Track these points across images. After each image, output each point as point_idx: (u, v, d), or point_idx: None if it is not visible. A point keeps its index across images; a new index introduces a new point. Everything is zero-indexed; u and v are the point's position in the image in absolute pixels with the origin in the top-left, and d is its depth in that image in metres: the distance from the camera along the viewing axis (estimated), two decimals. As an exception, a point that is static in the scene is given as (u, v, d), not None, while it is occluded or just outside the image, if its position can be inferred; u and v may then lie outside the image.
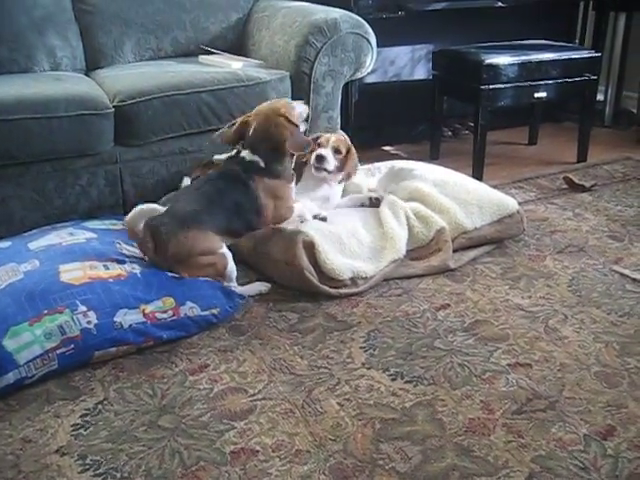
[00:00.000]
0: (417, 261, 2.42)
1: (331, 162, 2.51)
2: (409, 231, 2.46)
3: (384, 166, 2.93)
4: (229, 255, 2.18)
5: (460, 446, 1.59)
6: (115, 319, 1.92)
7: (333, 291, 2.23)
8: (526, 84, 3.34)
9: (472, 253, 2.50)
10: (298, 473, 1.52)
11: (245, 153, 2.27)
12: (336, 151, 2.54)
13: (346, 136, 2.70)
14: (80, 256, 2.09)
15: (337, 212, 2.58)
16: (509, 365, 1.88)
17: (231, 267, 2.19)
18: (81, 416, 1.72)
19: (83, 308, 1.90)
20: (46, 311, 1.87)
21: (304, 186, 2.54)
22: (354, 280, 2.27)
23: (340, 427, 1.66)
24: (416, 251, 2.45)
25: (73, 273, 2.00)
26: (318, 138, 2.58)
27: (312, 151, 2.47)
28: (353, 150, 2.62)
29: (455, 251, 2.47)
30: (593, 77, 3.49)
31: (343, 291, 2.24)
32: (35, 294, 1.91)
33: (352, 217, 2.53)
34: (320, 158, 2.50)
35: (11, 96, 2.43)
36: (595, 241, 2.64)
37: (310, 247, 2.26)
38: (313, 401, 1.75)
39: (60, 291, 1.93)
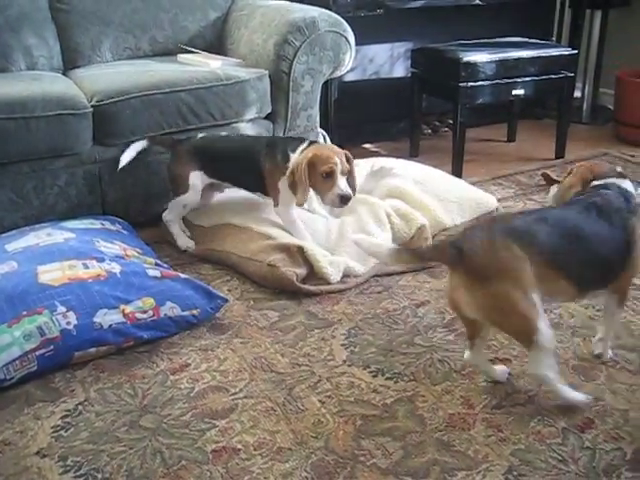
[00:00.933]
0: None
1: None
2: (391, 229, 2.47)
3: (364, 164, 2.94)
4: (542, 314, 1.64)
5: (440, 441, 1.61)
6: (95, 319, 1.91)
7: (313, 288, 2.24)
8: (504, 81, 3.36)
9: (451, 250, 2.51)
10: (280, 470, 1.53)
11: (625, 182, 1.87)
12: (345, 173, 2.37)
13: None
14: (58, 256, 2.08)
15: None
16: (489, 360, 1.90)
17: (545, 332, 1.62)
18: (61, 417, 1.71)
19: (62, 309, 1.89)
20: (25, 312, 1.86)
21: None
22: (342, 279, 2.29)
23: (321, 424, 1.67)
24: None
25: (52, 274, 1.99)
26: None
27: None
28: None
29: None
30: (570, 74, 3.52)
31: (324, 287, 2.25)
32: (14, 296, 1.90)
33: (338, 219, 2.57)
34: (345, 199, 2.32)
35: (-13, 96, 2.41)
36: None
37: (300, 251, 2.28)
38: (294, 399, 1.76)
39: (39, 292, 1.92)
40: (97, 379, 1.86)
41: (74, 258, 2.08)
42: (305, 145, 2.39)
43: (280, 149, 2.42)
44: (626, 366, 1.87)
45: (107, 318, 1.93)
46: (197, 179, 2.52)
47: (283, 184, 2.39)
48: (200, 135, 2.59)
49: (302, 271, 2.26)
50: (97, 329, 1.91)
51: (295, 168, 2.32)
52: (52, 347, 1.85)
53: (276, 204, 2.46)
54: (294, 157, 2.36)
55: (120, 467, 1.55)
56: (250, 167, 2.45)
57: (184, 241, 2.55)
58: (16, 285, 1.94)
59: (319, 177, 2.30)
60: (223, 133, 2.69)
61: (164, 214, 2.58)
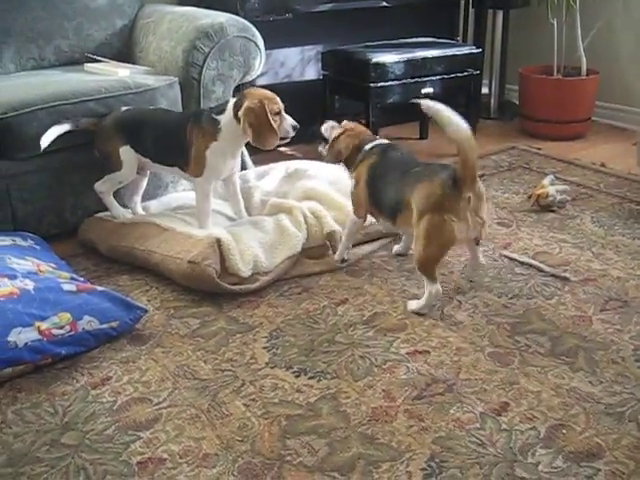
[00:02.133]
0: (314, 260, 2.46)
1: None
2: (307, 230, 2.50)
3: (279, 167, 2.97)
4: None
5: (364, 435, 1.64)
6: (9, 339, 1.85)
7: (234, 287, 2.24)
8: (413, 81, 3.46)
9: (369, 247, 2.56)
10: (207, 477, 1.53)
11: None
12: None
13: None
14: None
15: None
16: (408, 353, 1.95)
17: None
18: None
19: (-27, 330, 1.83)
20: None
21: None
22: (254, 276, 2.30)
23: (247, 427, 1.67)
24: (314, 250, 2.49)
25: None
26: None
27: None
28: None
29: (352, 246, 2.52)
30: (476, 72, 3.65)
31: (243, 286, 2.26)
32: None
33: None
34: (295, 127, 2.57)
35: None
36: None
37: (217, 244, 2.28)
38: (219, 404, 1.76)
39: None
40: (14, 399, 1.81)
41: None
42: (234, 100, 2.44)
43: (205, 115, 2.46)
44: (538, 349, 1.95)
45: (22, 336, 1.87)
46: (128, 154, 2.54)
47: (212, 152, 2.43)
48: (123, 108, 2.59)
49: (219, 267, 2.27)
50: (12, 348, 1.85)
51: (249, 113, 2.36)
52: (-37, 370, 1.79)
53: (199, 174, 2.46)
54: (224, 117, 2.42)
55: (40, 501, 1.52)
56: (175, 137, 2.47)
57: (119, 211, 2.57)
58: None
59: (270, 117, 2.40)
60: (150, 106, 2.69)
61: (97, 184, 2.58)
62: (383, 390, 1.80)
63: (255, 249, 2.33)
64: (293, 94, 3.83)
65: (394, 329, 2.07)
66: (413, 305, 2.17)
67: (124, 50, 3.20)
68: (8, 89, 2.67)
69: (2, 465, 1.59)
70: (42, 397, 1.81)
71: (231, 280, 2.25)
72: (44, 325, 1.92)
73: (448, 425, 1.67)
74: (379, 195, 2.26)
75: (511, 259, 2.50)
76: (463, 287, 2.31)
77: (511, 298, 2.23)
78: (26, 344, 1.88)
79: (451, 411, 1.71)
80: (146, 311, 2.11)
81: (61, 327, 1.94)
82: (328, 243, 2.50)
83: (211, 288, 2.23)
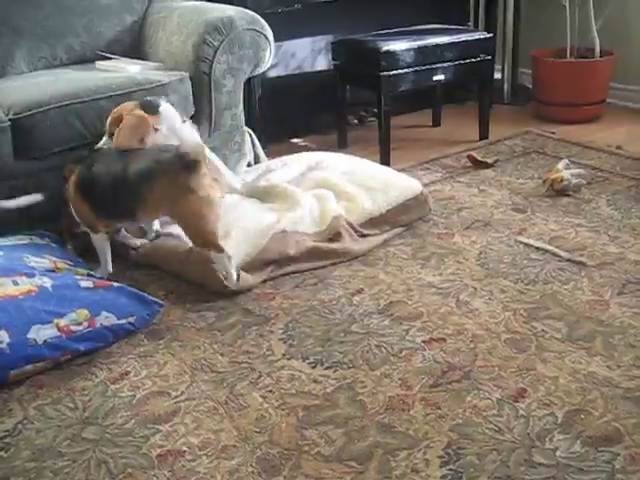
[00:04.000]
0: (319, 244, 2.44)
1: None
2: (310, 216, 2.52)
3: (294, 160, 2.97)
4: None
5: (381, 424, 1.65)
6: (29, 336, 1.88)
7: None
8: (424, 68, 3.43)
9: (383, 237, 2.56)
10: (226, 468, 1.54)
11: None
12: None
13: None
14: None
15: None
16: (424, 341, 1.95)
17: None
18: (0, 439, 1.68)
19: (-8, 328, 1.86)
20: (-46, 333, 1.82)
21: None
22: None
23: (264, 419, 1.69)
24: (315, 235, 2.48)
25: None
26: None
27: None
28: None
29: (366, 236, 2.53)
30: (487, 57, 3.61)
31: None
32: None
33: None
34: None
35: None
36: (500, 215, 2.75)
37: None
38: (236, 396, 1.77)
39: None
40: (36, 396, 1.83)
41: (3, 276, 2.04)
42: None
43: None
44: (554, 335, 1.95)
45: (41, 333, 1.90)
46: None
47: None
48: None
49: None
50: (32, 345, 1.88)
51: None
52: (-16, 369, 1.82)
53: None
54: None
55: (64, 483, 1.54)
56: None
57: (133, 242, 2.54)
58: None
59: None
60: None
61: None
62: (400, 379, 1.80)
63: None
64: (304, 85, 3.86)
65: (410, 317, 2.07)
66: (217, 265, 2.22)
67: (134, 46, 3.20)
68: (21, 89, 2.69)
69: (26, 460, 1.61)
70: (62, 393, 1.83)
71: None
72: (62, 322, 1.95)
73: (465, 412, 1.67)
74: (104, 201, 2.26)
75: (526, 245, 2.48)
76: (478, 273, 2.30)
77: (527, 284, 2.22)
78: (45, 341, 1.90)
79: (468, 398, 1.71)
80: (162, 305, 2.13)
81: (79, 323, 1.96)
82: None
83: (212, 285, 2.26)
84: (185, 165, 2.12)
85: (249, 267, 2.30)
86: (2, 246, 2.27)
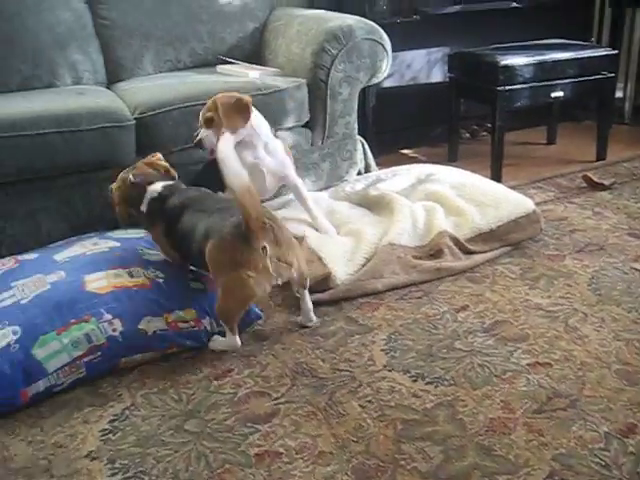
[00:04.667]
0: (420, 260, 2.42)
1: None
2: (414, 229, 2.50)
3: (404, 171, 2.97)
4: None
5: (481, 445, 1.61)
6: (140, 326, 1.97)
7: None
8: (543, 84, 3.34)
9: (490, 254, 2.51)
10: (321, 474, 1.55)
11: None
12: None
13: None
14: (104, 265, 2.14)
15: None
16: (529, 365, 1.89)
17: None
18: (109, 422, 1.76)
19: (108, 316, 1.95)
20: (73, 320, 1.92)
21: None
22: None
23: (362, 428, 1.68)
24: (416, 249, 2.46)
25: (98, 282, 2.05)
26: None
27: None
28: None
29: (473, 253, 2.49)
30: (610, 74, 3.49)
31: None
32: (62, 304, 1.96)
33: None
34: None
35: (35, 112, 2.49)
36: (615, 239, 2.64)
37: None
38: (335, 403, 1.78)
39: (86, 300, 1.98)
40: (143, 384, 1.91)
41: (119, 267, 2.14)
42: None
43: None
44: (670, 370, 1.85)
45: (151, 325, 1.98)
46: None
47: None
48: None
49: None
50: (142, 335, 1.96)
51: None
52: (99, 353, 1.91)
53: None
54: None
55: (166, 470, 1.59)
56: None
57: None
58: (64, 294, 2.00)
59: None
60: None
61: None
62: (502, 401, 1.76)
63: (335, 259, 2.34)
64: (418, 96, 3.84)
65: (515, 339, 2.02)
66: (214, 342, 2.04)
67: (254, 52, 3.29)
68: (146, 90, 2.82)
69: (131, 444, 1.68)
70: (168, 384, 1.90)
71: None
72: (171, 317, 2.03)
73: (569, 442, 1.61)
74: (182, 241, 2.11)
75: (643, 273, 2.37)
76: (589, 299, 2.22)
77: (641, 313, 2.12)
78: (155, 332, 1.98)
79: (573, 428, 1.65)
80: (260, 317, 2.17)
81: (186, 321, 2.03)
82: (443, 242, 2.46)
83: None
84: (246, 239, 1.86)
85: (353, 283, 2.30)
86: (119, 238, 2.38)
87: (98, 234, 2.46)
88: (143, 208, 2.18)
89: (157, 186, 2.19)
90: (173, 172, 2.29)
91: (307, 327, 2.12)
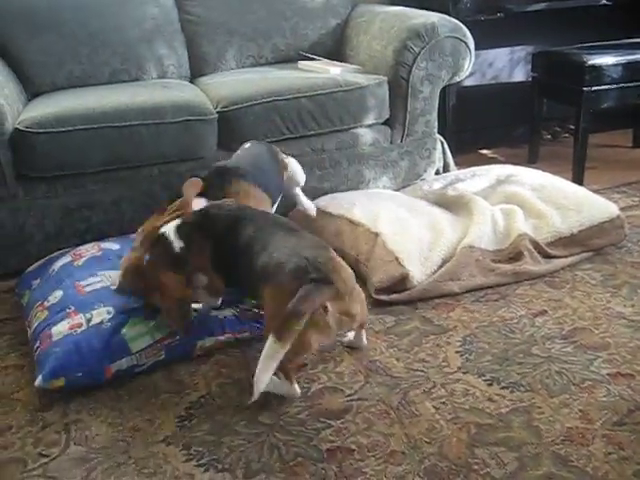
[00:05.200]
0: (499, 263, 2.38)
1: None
2: (493, 232, 2.46)
3: (483, 171, 2.92)
4: None
5: (557, 455, 1.57)
6: (213, 311, 2.04)
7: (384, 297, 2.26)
8: (631, 85, 3.23)
9: (571, 259, 2.44)
10: (393, 473, 1.55)
11: None
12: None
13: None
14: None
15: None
16: (610, 375, 1.84)
17: None
18: (185, 408, 1.81)
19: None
20: (161, 307, 2.00)
21: None
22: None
23: (435, 430, 1.67)
24: (495, 253, 2.42)
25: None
26: None
27: None
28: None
29: (553, 257, 2.43)
30: None
31: (393, 296, 2.27)
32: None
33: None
34: None
35: (123, 104, 2.57)
36: None
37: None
38: (409, 403, 1.77)
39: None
40: (218, 374, 1.94)
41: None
42: None
43: None
44: None
45: (224, 312, 2.05)
46: None
47: None
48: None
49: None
50: (215, 320, 2.03)
51: None
52: (177, 337, 1.98)
53: None
54: None
55: (239, 459, 1.62)
56: None
57: None
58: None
59: None
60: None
61: None
62: (580, 410, 1.71)
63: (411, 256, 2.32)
64: (499, 96, 3.77)
65: (595, 347, 1.96)
66: (270, 385, 1.73)
67: (335, 49, 3.30)
68: (229, 84, 2.87)
69: (206, 432, 1.72)
70: (243, 375, 1.92)
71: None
72: (242, 305, 2.10)
73: (652, 458, 1.55)
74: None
75: None
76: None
77: None
78: (226, 317, 2.05)
79: (657, 444, 1.59)
80: None
81: (255, 307, 2.09)
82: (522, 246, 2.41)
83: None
84: (312, 282, 1.70)
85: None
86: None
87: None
88: (176, 245, 1.94)
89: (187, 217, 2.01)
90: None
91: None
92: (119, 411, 1.82)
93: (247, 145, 2.45)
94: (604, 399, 1.75)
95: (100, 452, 1.67)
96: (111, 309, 2.01)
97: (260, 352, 1.65)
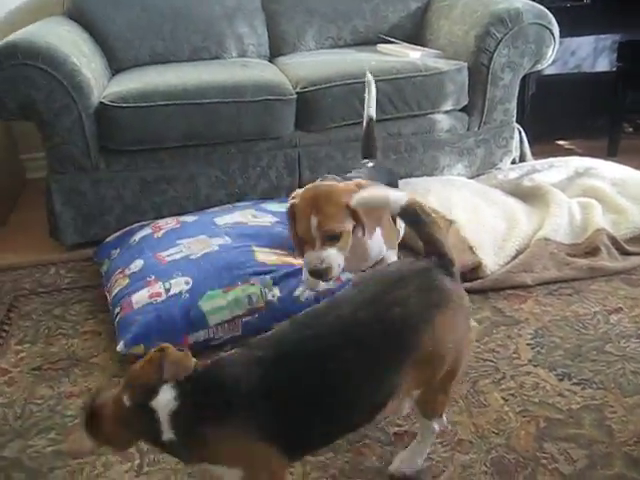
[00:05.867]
0: (574, 257, 2.34)
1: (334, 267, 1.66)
2: (570, 225, 2.42)
3: (562, 163, 2.86)
4: None
5: (629, 456, 1.55)
6: (295, 294, 2.05)
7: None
8: None
9: (650, 256, 2.38)
10: (460, 461, 1.55)
11: None
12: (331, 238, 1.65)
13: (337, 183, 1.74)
14: (269, 241, 2.24)
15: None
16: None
17: None
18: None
19: (270, 283, 2.05)
20: (240, 282, 2.04)
21: None
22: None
23: (503, 421, 1.67)
24: (571, 247, 2.37)
25: (267, 255, 2.16)
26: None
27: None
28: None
29: (631, 254, 2.37)
30: None
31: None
32: (233, 265, 2.08)
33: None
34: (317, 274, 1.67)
35: (204, 82, 2.61)
36: None
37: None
38: (477, 393, 1.77)
39: (256, 267, 2.09)
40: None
41: (280, 246, 2.21)
42: None
43: None
44: None
45: (304, 294, 2.06)
46: None
47: None
48: None
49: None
50: (295, 302, 2.03)
51: None
52: (256, 315, 2.01)
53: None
54: None
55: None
56: None
57: None
58: (235, 257, 2.12)
59: None
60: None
61: None
62: (655, 412, 1.68)
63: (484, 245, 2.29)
64: (581, 85, 3.67)
65: (671, 356, 1.92)
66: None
67: (415, 32, 3.26)
68: (308, 65, 2.88)
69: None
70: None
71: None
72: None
73: None
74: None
75: None
76: None
77: None
78: (306, 299, 2.05)
79: None
80: None
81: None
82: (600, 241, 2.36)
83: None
84: None
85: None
86: (276, 212, 2.45)
87: (253, 204, 2.56)
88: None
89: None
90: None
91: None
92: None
93: (370, 164, 2.11)
94: (680, 403, 1.71)
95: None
96: (189, 279, 2.04)
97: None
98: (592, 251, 2.35)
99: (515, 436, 1.62)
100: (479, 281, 2.22)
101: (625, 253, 2.37)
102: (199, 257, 2.13)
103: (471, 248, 2.26)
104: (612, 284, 2.26)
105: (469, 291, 2.18)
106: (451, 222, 2.38)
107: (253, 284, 2.03)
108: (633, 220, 2.45)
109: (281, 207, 2.50)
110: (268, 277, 2.05)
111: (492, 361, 1.89)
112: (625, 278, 2.29)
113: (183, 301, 1.99)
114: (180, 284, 2.03)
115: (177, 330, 1.94)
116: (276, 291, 2.04)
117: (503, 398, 1.74)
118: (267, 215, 2.43)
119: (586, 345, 1.94)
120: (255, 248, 2.17)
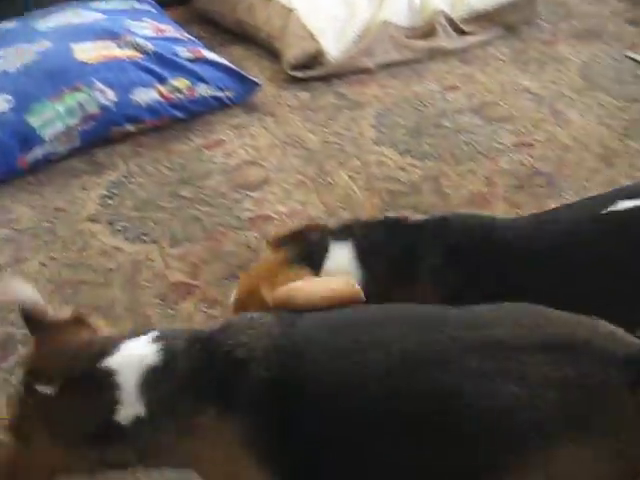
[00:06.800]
0: (413, 39, 2.39)
1: None
2: (408, 7, 2.43)
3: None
4: None
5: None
6: (132, 97, 1.97)
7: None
8: None
9: (484, 36, 2.46)
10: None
11: None
12: None
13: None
14: (92, 36, 2.08)
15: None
16: (513, 144, 1.95)
17: None
18: (106, 188, 1.82)
19: (100, 86, 1.94)
20: (65, 89, 1.92)
21: None
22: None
23: (350, 197, 1.77)
24: (410, 29, 2.41)
25: (87, 53, 2.01)
26: None
27: None
28: None
29: (467, 34, 2.44)
30: None
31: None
32: (54, 73, 1.94)
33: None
34: None
35: None
36: (613, 27, 2.58)
37: None
38: (324, 173, 1.85)
39: (76, 69, 1.96)
40: (136, 154, 1.95)
41: (108, 39, 2.08)
42: None
43: None
44: (648, 152, 1.91)
45: (144, 96, 1.99)
46: None
47: None
48: None
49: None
50: (135, 106, 1.97)
51: None
52: (93, 123, 1.93)
53: None
54: None
55: (164, 232, 1.68)
56: None
57: None
58: (54, 63, 1.97)
59: None
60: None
61: None
62: (484, 176, 1.83)
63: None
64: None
65: (501, 119, 2.07)
66: None
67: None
68: None
69: (130, 209, 1.76)
70: (161, 154, 1.94)
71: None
72: (164, 89, 2.02)
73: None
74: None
75: (635, 61, 2.35)
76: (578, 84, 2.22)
77: (628, 101, 2.14)
78: (147, 104, 1.99)
79: (548, 202, 1.72)
80: (259, 85, 2.15)
81: (180, 91, 2.03)
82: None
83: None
84: None
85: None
86: (104, 10, 2.29)
87: (79, 4, 2.36)
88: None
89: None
90: None
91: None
92: (40, 195, 1.82)
93: None
94: (507, 166, 1.87)
95: (25, 233, 1.70)
96: (9, 96, 1.88)
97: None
98: (430, 32, 2.40)
99: (361, 209, 1.73)
100: (322, 68, 2.23)
101: (462, 33, 2.44)
102: (17, 70, 1.95)
103: (312, 35, 2.24)
104: (449, 63, 2.35)
105: (312, 79, 2.22)
106: (291, 10, 2.32)
107: (79, 89, 1.92)
108: (469, 1, 2.48)
109: (109, 5, 2.34)
110: (95, 79, 1.93)
111: (337, 143, 1.96)
112: (461, 57, 2.38)
113: (7, 120, 1.84)
114: (1, 103, 1.87)
115: (9, 152, 1.83)
116: (110, 94, 1.94)
117: (349, 176, 1.84)
118: (92, 12, 2.24)
119: (425, 122, 2.05)
120: (74, 47, 2.01)
